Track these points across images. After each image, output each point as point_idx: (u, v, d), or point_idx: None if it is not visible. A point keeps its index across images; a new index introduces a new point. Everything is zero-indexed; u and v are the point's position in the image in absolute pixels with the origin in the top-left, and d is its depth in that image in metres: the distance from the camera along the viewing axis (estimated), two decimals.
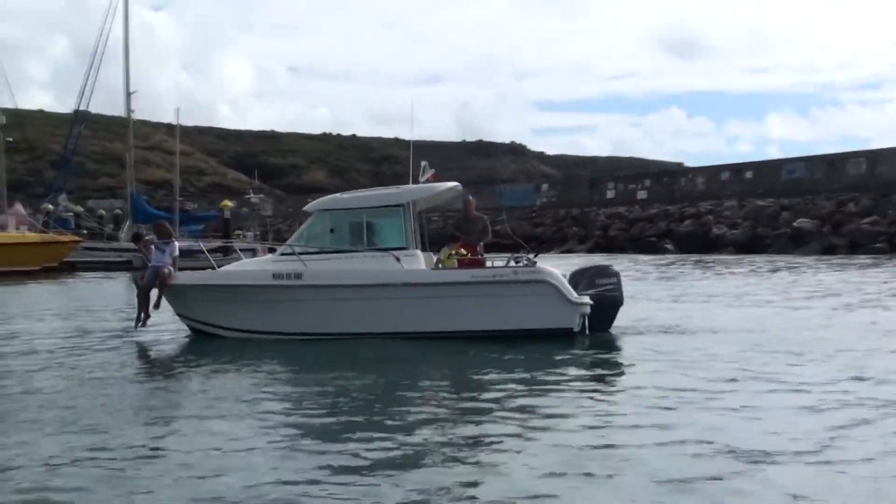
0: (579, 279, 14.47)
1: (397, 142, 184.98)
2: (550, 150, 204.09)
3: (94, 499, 6.23)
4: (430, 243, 15.96)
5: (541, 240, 61.49)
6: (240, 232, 52.43)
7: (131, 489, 6.40)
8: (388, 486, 6.37)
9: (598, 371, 11.58)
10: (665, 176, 68.85)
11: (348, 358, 12.40)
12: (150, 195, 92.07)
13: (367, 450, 7.37)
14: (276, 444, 7.61)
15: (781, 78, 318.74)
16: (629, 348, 13.26)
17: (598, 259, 44.53)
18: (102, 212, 64.96)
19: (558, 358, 12.19)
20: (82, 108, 50.36)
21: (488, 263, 14.79)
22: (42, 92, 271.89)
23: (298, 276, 14.06)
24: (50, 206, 50.96)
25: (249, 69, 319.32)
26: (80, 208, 62.15)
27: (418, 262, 14.29)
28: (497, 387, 10.18)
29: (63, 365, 12.22)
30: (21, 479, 6.66)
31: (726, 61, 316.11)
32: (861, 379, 10.27)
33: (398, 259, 14.06)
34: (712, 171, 62.41)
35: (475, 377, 11.08)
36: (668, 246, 51.49)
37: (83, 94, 49.51)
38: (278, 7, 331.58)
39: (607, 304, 14.32)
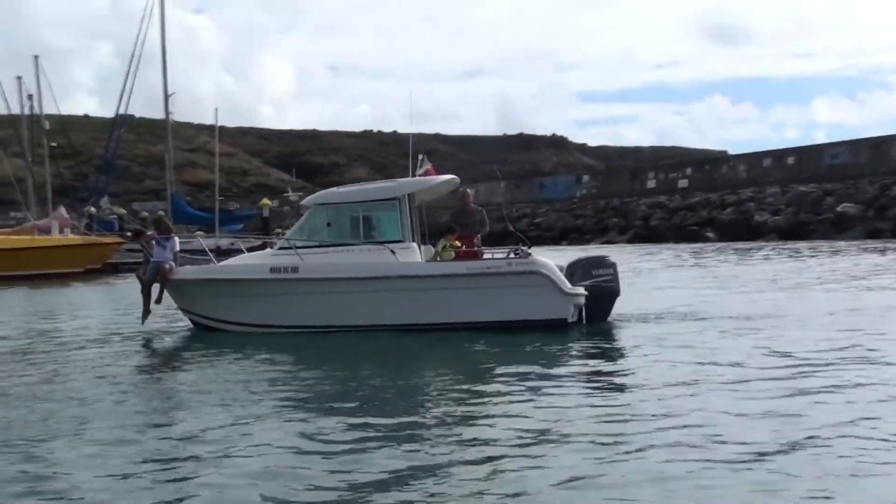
0: (575, 270, 14.50)
1: (438, 137, 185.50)
2: (592, 142, 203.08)
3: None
4: (432, 236, 15.98)
5: (581, 231, 61.32)
6: (280, 230, 52.83)
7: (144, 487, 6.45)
8: (389, 476, 6.36)
9: (591, 361, 11.44)
10: (706, 164, 67.98)
11: (347, 352, 12.46)
12: (194, 196, 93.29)
13: (369, 439, 7.37)
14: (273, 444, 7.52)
15: (827, 62, 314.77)
16: (622, 338, 13.15)
17: (636, 249, 44.27)
18: (145, 214, 65.86)
19: (553, 348, 12.19)
20: (122, 111, 51.03)
21: (487, 255, 14.85)
22: (88, 97, 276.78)
23: (295, 269, 14.22)
24: (93, 210, 51.77)
25: (290, 69, 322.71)
26: (122, 211, 63.17)
27: (414, 254, 14.40)
28: (498, 378, 10.17)
29: (65, 360, 12.44)
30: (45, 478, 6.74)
31: (770, 47, 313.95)
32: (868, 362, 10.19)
33: (393, 252, 14.15)
34: (754, 158, 61.47)
35: (474, 368, 11.09)
36: (710, 234, 50.91)
37: (122, 98, 50.19)
38: (318, 7, 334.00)
39: (603, 295, 14.31)
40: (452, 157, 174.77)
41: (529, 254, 14.20)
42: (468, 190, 16.35)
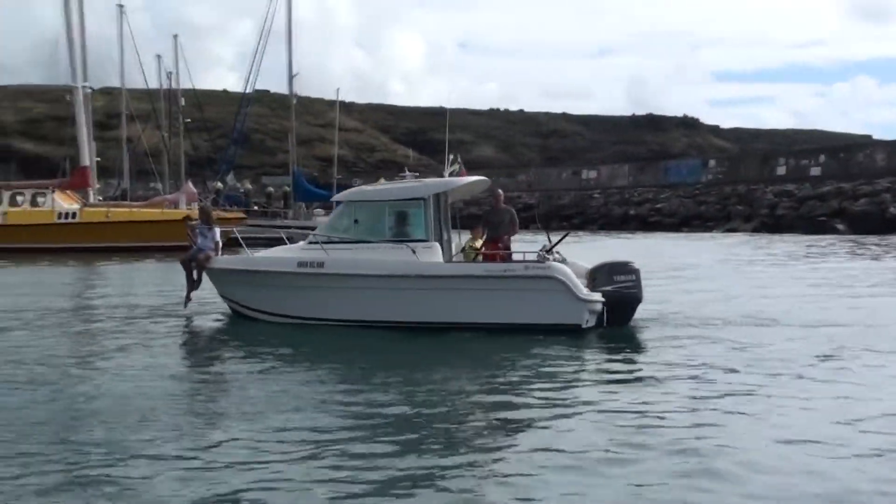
0: (598, 275, 14.52)
1: (565, 116, 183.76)
2: (725, 124, 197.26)
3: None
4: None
5: (704, 218, 59.67)
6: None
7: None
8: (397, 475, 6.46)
9: (592, 365, 11.68)
10: (841, 151, 64.99)
11: (347, 348, 12.90)
12: (323, 171, 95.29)
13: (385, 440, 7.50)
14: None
15: None
16: (630, 345, 13.21)
17: (751, 239, 42.85)
18: (271, 189, 67.71)
19: (568, 350, 12.49)
20: (249, 90, 52.55)
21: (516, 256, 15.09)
22: (228, 72, 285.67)
23: (321, 264, 14.70)
24: (219, 184, 53.59)
25: (421, 45, 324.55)
26: (249, 185, 65.15)
27: (435, 254, 14.61)
28: (501, 379, 10.57)
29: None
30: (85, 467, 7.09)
31: None
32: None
33: (414, 251, 14.42)
34: (894, 146, 58.38)
35: (483, 369, 11.29)
36: (839, 226, 48.68)
37: (250, 76, 51.69)
38: None
39: (625, 302, 14.33)
40: (579, 137, 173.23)
41: (547, 258, 14.28)
42: (499, 190, 16.72)
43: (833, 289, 20.00)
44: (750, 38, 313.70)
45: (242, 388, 10.06)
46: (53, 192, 41.96)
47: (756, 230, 53.31)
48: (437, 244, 14.78)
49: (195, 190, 47.30)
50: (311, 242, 15.53)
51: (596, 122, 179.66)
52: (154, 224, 40.65)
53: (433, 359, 12.10)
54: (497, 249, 15.39)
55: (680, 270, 25.12)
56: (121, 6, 62.55)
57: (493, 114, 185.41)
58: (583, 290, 13.99)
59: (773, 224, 53.66)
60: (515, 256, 15.06)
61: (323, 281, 14.68)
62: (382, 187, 16.12)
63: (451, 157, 15.71)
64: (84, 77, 43.95)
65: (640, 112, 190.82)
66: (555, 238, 15.18)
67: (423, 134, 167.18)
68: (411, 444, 7.57)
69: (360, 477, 6.69)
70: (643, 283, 14.54)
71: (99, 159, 50.17)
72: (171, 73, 65.68)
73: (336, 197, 16.31)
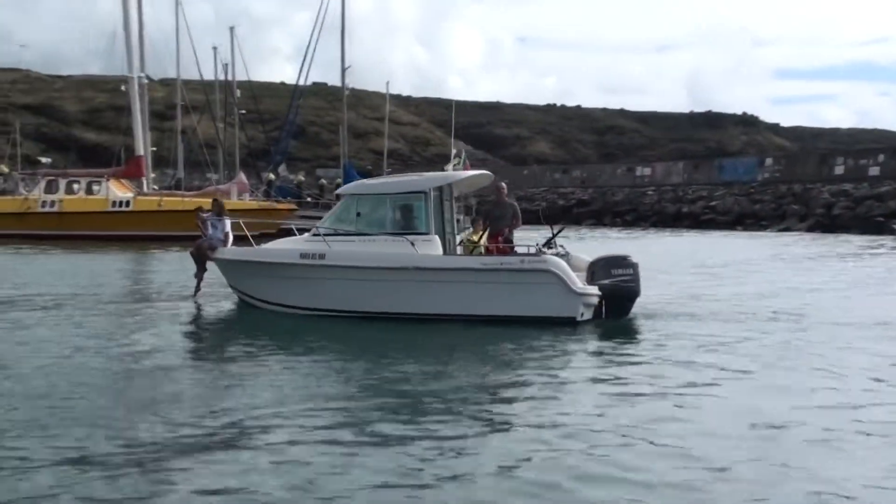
0: (596, 268, 14.76)
1: (622, 112, 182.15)
2: (786, 122, 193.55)
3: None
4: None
5: (758, 217, 58.71)
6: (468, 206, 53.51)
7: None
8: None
9: (583, 357, 11.86)
10: None
11: (342, 340, 13.06)
12: (377, 164, 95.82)
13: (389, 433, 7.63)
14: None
15: None
16: (624, 338, 13.37)
17: (798, 238, 42.11)
18: (324, 181, 68.27)
19: (560, 342, 12.71)
20: (301, 83, 53.06)
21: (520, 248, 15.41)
22: (286, 64, 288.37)
23: (322, 256, 15.05)
24: (271, 176, 54.16)
25: (479, 40, 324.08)
26: (301, 177, 65.74)
27: (434, 247, 14.85)
28: (492, 368, 10.88)
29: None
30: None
31: None
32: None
33: (413, 244, 14.67)
34: None
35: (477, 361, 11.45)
36: None
37: (302, 69, 52.19)
38: None
39: (622, 295, 14.60)
40: (636, 133, 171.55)
41: (542, 251, 14.78)
42: (502, 184, 16.94)
43: (869, 287, 19.76)
44: (812, 35, 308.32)
45: (236, 378, 10.14)
46: (108, 180, 42.86)
47: (811, 229, 52.37)
48: (437, 237, 15.05)
49: (247, 181, 47.85)
50: (314, 234, 15.82)
51: (654, 119, 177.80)
52: None
53: (425, 349, 12.29)
54: (499, 243, 15.74)
55: (710, 268, 24.91)
56: None
57: (550, 109, 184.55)
58: (577, 284, 14.27)
59: (829, 224, 52.66)
60: (519, 250, 15.29)
61: (324, 272, 15.05)
62: (384, 181, 16.71)
63: (454, 151, 16.03)
64: (141, 67, 44.76)
65: (699, 109, 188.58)
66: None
67: (479, 128, 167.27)
68: (405, 431, 7.67)
69: (359, 462, 6.78)
70: (640, 276, 14.80)
71: (155, 149, 51.06)
72: (226, 64, 66.48)
73: (339, 190, 16.85)
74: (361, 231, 15.32)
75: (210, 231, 16.95)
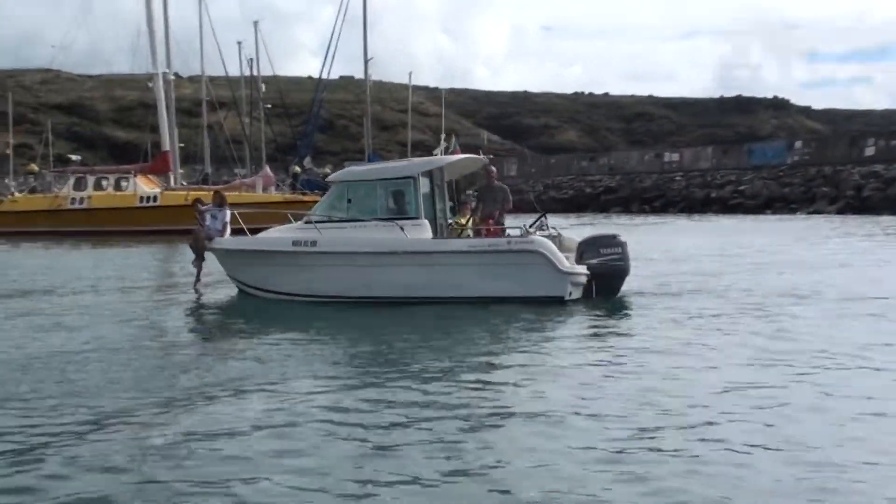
0: (586, 248, 14.98)
1: (651, 99, 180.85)
2: (817, 105, 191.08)
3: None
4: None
5: (787, 200, 58.12)
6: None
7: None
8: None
9: (571, 335, 12.00)
10: None
11: (360, 324, 13.17)
12: (405, 156, 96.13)
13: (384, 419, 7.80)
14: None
15: None
16: (614, 316, 13.53)
17: (826, 221, 41.68)
18: None
19: (552, 320, 12.96)
20: (325, 74, 53.26)
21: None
22: (312, 58, 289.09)
23: (314, 243, 15.25)
24: (297, 169, 54.42)
25: (505, 30, 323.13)
26: (328, 170, 65.93)
27: (423, 231, 15.06)
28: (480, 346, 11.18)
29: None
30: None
31: None
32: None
33: (402, 228, 14.88)
34: None
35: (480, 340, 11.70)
36: None
37: (325, 63, 52.41)
38: None
39: (612, 274, 14.81)
40: (665, 120, 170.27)
41: (529, 232, 14.90)
42: (492, 167, 17.17)
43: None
44: (845, 18, 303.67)
45: (231, 366, 10.14)
46: (136, 176, 43.29)
47: (841, 212, 51.80)
48: (427, 221, 15.21)
49: (272, 175, 48.13)
50: (306, 222, 15.98)
51: (683, 106, 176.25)
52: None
53: (417, 331, 12.33)
54: (489, 226, 15.95)
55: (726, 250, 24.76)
56: None
57: (578, 98, 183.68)
58: (565, 263, 14.48)
59: (859, 206, 52.08)
60: (511, 232, 15.46)
61: (316, 259, 15.25)
62: (373, 167, 17.07)
63: (444, 136, 16.27)
64: (167, 64, 45.18)
65: (729, 94, 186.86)
66: (551, 219, 16.05)
67: (507, 118, 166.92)
68: (398, 417, 7.67)
69: (358, 449, 6.84)
70: (629, 255, 15.01)
71: (183, 145, 51.41)
72: (251, 59, 66.73)
73: (330, 178, 17.04)
74: (353, 217, 15.54)
75: (209, 222, 17.22)
